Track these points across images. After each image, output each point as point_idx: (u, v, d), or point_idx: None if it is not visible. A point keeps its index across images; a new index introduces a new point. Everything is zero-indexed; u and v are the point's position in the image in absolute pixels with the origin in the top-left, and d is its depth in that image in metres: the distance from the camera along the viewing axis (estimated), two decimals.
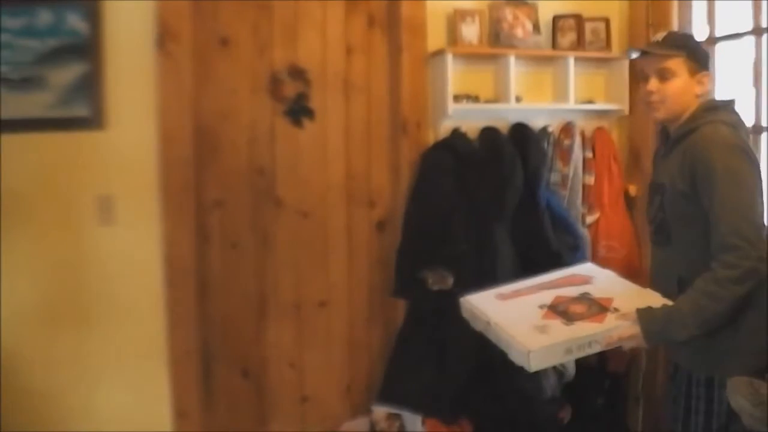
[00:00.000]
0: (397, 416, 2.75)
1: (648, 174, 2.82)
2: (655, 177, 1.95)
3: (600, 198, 2.94)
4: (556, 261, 2.64)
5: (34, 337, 2.39)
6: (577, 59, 2.90)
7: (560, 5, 3.00)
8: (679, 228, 1.78)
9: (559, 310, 1.77)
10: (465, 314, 1.94)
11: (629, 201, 3.00)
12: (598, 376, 2.95)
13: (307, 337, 2.86)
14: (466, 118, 2.83)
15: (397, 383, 2.63)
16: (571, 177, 2.88)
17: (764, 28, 2.42)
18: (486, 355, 2.47)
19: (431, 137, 2.85)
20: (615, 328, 1.67)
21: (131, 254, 2.48)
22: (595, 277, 1.96)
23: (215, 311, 2.70)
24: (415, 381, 2.58)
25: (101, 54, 2.39)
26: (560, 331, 1.68)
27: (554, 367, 2.70)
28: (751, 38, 2.48)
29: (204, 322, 2.64)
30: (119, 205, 2.46)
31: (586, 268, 2.05)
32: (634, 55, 1.93)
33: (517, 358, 1.70)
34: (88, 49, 2.37)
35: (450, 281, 2.54)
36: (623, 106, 2.99)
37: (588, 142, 2.97)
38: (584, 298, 1.83)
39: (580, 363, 2.76)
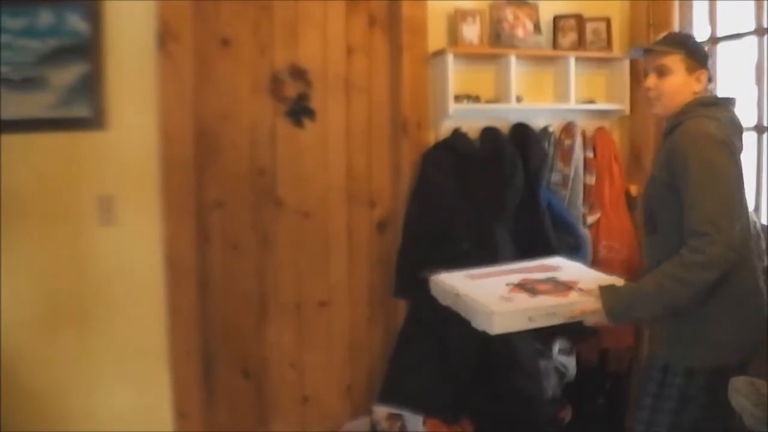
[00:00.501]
0: (398, 416, 2.75)
1: (648, 175, 2.83)
2: (652, 169, 2.00)
3: (601, 198, 2.94)
4: None
5: (34, 337, 2.38)
6: (577, 59, 2.90)
7: (561, 5, 3.00)
8: (663, 216, 1.82)
9: (526, 287, 1.86)
10: (433, 291, 2.03)
11: (630, 201, 3.00)
12: (598, 376, 2.95)
13: (307, 338, 2.86)
14: (467, 118, 2.83)
15: (398, 383, 2.63)
16: (572, 177, 2.88)
17: (766, 29, 2.41)
18: (487, 355, 2.48)
19: (432, 137, 2.85)
20: (577, 302, 1.75)
21: (132, 254, 2.48)
22: (564, 267, 2.06)
23: (216, 311, 2.70)
24: (416, 381, 2.57)
25: (102, 54, 2.39)
26: (524, 301, 1.77)
27: (555, 368, 2.70)
28: (753, 38, 2.48)
29: (205, 323, 2.64)
30: (120, 205, 2.46)
31: (556, 260, 2.13)
32: (636, 54, 1.97)
33: (480, 322, 1.76)
34: (88, 50, 2.37)
35: None
36: (624, 106, 2.98)
37: (589, 142, 2.97)
38: (551, 280, 1.92)
39: (580, 363, 2.76)
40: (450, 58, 2.71)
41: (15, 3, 2.28)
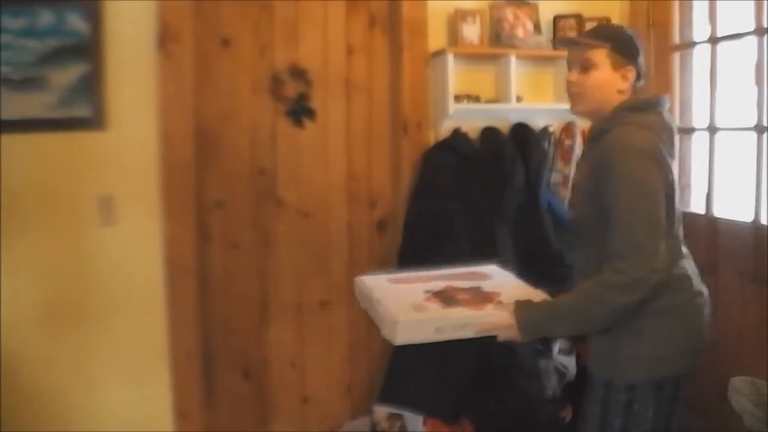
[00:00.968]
0: (398, 416, 2.75)
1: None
2: (576, 175, 1.88)
3: None
4: (557, 261, 2.65)
5: (35, 337, 2.38)
6: None
7: (561, 5, 3.00)
8: (589, 228, 1.73)
9: (444, 296, 1.75)
10: (357, 294, 1.92)
11: None
12: None
13: (308, 338, 2.86)
14: (467, 118, 2.83)
15: (398, 383, 2.63)
16: (572, 177, 2.88)
17: (766, 29, 2.41)
18: (487, 355, 2.48)
19: (432, 137, 2.85)
20: (490, 316, 1.65)
21: (132, 255, 2.48)
22: (494, 276, 1.94)
23: (216, 311, 2.70)
24: (416, 381, 2.57)
25: (102, 54, 2.39)
26: (434, 311, 1.67)
27: (555, 367, 2.70)
28: (753, 38, 2.48)
29: (205, 323, 2.64)
30: (120, 205, 2.46)
31: (490, 268, 2.02)
32: (562, 45, 1.83)
33: (386, 331, 1.66)
34: (88, 50, 2.37)
35: None
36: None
37: None
38: (474, 290, 1.81)
39: (580, 363, 2.76)
40: (450, 58, 2.71)
41: (15, 3, 2.28)
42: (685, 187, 2.90)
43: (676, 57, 2.91)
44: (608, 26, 1.85)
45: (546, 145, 2.87)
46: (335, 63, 2.82)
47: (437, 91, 2.81)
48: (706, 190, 2.69)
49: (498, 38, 2.84)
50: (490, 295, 1.75)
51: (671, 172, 1.66)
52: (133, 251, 2.48)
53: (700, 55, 2.82)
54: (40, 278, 2.39)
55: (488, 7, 2.87)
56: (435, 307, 1.68)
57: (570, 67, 1.77)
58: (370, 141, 2.91)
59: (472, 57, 2.86)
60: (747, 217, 2.47)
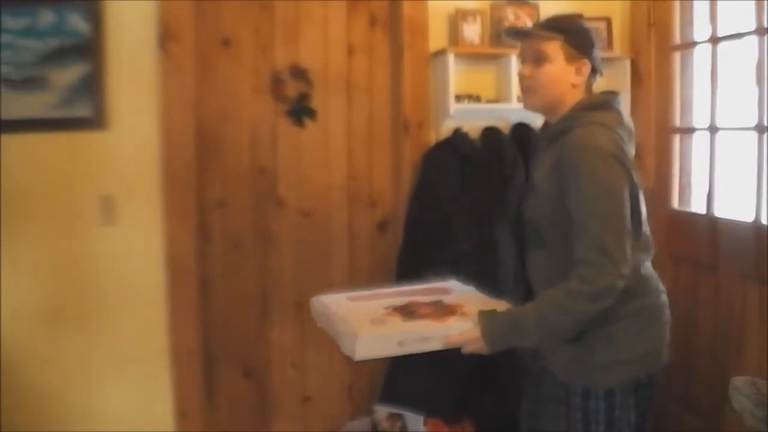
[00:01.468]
0: (399, 416, 2.75)
1: (648, 174, 2.83)
2: (532, 175, 1.82)
3: None
4: None
5: (35, 337, 2.39)
6: None
7: (562, 5, 2.99)
8: (551, 232, 1.67)
9: (406, 311, 1.71)
10: (314, 314, 1.88)
11: None
12: None
13: (308, 337, 2.85)
14: (468, 118, 2.82)
15: (399, 383, 2.63)
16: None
17: (766, 28, 2.41)
18: (487, 354, 2.48)
19: (433, 137, 2.85)
20: (454, 328, 1.61)
21: (133, 254, 2.49)
22: (455, 290, 1.91)
23: (217, 311, 2.70)
24: (417, 381, 2.57)
25: (103, 54, 2.40)
26: (396, 325, 1.62)
27: None
28: (754, 38, 2.48)
29: (206, 322, 2.64)
30: (121, 205, 2.46)
31: (450, 283, 1.98)
32: (511, 35, 1.80)
33: (345, 346, 1.61)
34: (89, 50, 2.37)
35: None
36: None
37: None
38: (435, 303, 1.78)
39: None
40: (451, 57, 2.71)
41: (16, 3, 2.28)
42: (686, 186, 2.89)
43: (677, 57, 2.90)
44: (562, 17, 1.80)
45: None
46: (336, 63, 2.82)
47: (438, 91, 2.81)
48: (706, 190, 2.69)
49: (499, 38, 2.84)
50: (453, 308, 1.72)
51: (634, 170, 1.62)
52: (133, 251, 2.49)
53: (701, 54, 2.81)
54: (40, 278, 2.39)
55: (489, 7, 2.87)
56: (395, 320, 1.64)
57: (522, 60, 1.72)
58: (371, 141, 2.91)
59: (472, 57, 2.86)
60: (748, 217, 2.47)
